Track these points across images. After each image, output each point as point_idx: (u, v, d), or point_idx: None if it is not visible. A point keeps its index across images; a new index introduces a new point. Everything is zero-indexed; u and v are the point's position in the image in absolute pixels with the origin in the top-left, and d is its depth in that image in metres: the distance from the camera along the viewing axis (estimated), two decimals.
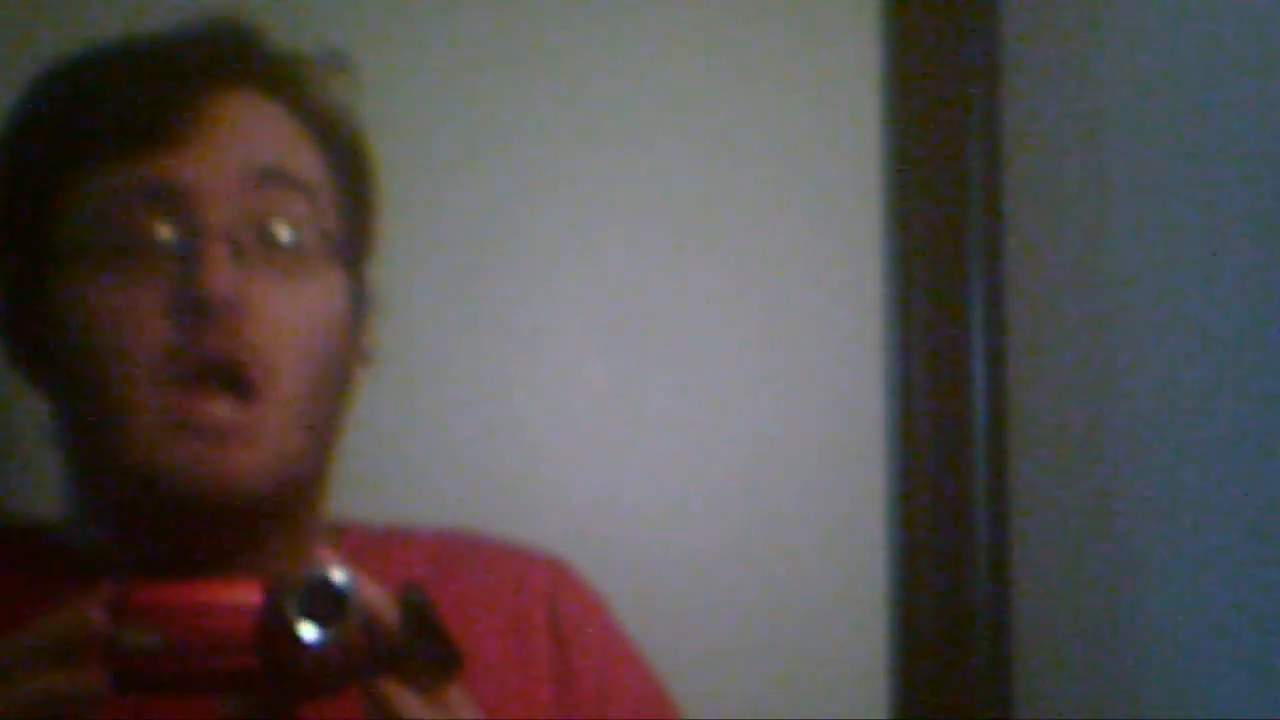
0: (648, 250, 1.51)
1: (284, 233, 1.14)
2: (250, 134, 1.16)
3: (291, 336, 1.13)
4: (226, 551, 1.14)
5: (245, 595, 0.97)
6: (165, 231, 1.12)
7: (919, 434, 1.54)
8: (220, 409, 1.10)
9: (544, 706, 1.19)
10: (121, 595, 0.96)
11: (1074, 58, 1.56)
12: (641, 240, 1.51)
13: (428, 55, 1.49)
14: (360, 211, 1.22)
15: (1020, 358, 1.55)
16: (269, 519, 1.15)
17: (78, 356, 1.14)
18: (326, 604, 0.96)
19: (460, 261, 1.48)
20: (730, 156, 1.52)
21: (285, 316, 1.13)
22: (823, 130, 1.54)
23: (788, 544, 1.50)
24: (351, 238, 1.20)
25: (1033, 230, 1.56)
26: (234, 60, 1.19)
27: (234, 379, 1.11)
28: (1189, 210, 1.44)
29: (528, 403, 1.48)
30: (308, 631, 0.95)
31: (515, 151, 1.49)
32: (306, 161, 1.18)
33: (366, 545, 1.21)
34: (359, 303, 1.21)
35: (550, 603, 1.24)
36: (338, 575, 0.96)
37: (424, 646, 0.98)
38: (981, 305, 1.55)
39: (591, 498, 1.47)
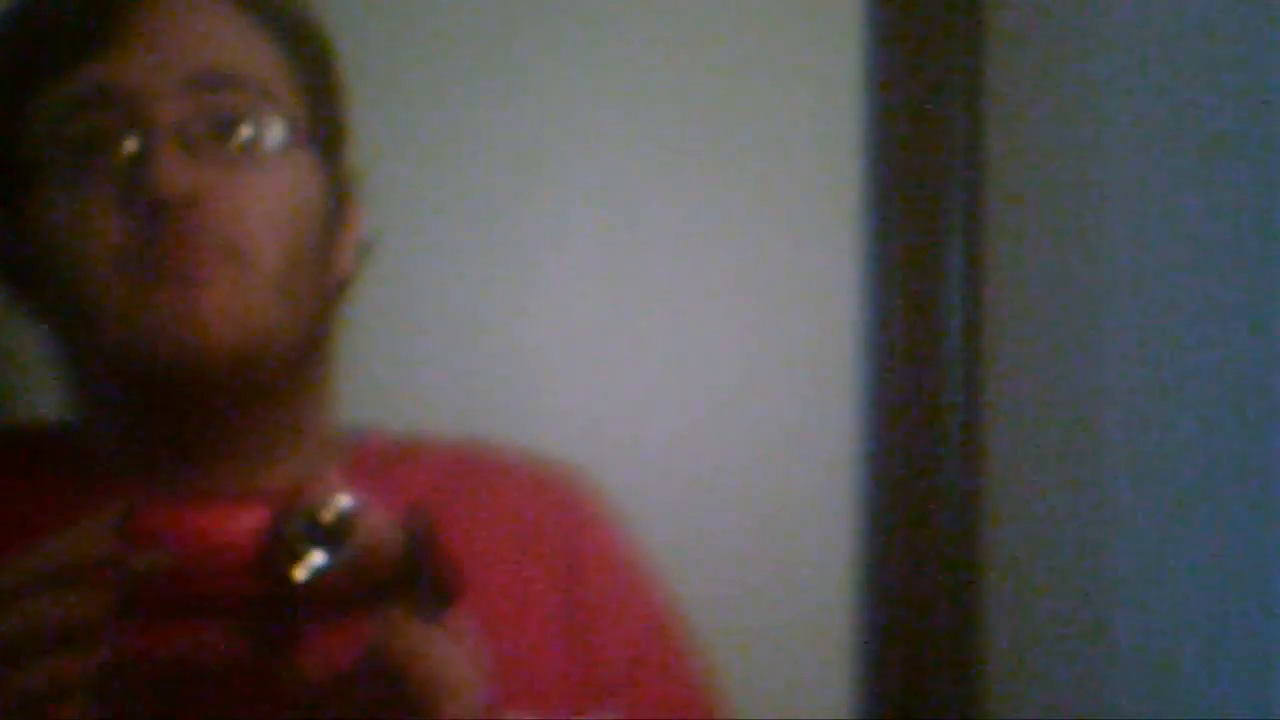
0: (642, 172, 1.53)
1: (239, 126, 1.15)
2: (195, 32, 1.17)
3: (257, 222, 1.14)
4: (227, 453, 1.16)
5: (251, 518, 0.96)
6: (115, 134, 1.13)
7: (894, 383, 1.56)
8: (185, 280, 1.12)
9: (547, 622, 1.20)
10: (128, 517, 0.96)
11: (1059, 49, 1.56)
12: (637, 161, 1.53)
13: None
14: (325, 99, 1.22)
15: (998, 326, 1.57)
16: (258, 409, 1.16)
17: (48, 263, 1.16)
18: (329, 530, 0.95)
19: (453, 182, 1.50)
20: (723, 114, 1.55)
21: (247, 205, 1.14)
22: (806, 102, 1.56)
23: (764, 474, 1.53)
24: (318, 125, 1.20)
25: (1013, 211, 1.57)
26: None
27: (195, 263, 1.12)
28: (1173, 197, 1.45)
29: (526, 322, 1.50)
30: (308, 559, 0.95)
31: (521, 79, 1.51)
32: (258, 56, 1.19)
33: (380, 457, 1.23)
34: (336, 188, 1.21)
35: (563, 517, 1.24)
36: (342, 501, 0.96)
37: (425, 574, 0.98)
38: (960, 273, 1.57)
39: (586, 413, 1.49)
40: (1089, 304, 1.53)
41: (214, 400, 1.15)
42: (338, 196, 1.21)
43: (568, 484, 1.27)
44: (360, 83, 1.26)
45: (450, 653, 0.98)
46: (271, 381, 1.16)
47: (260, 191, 1.15)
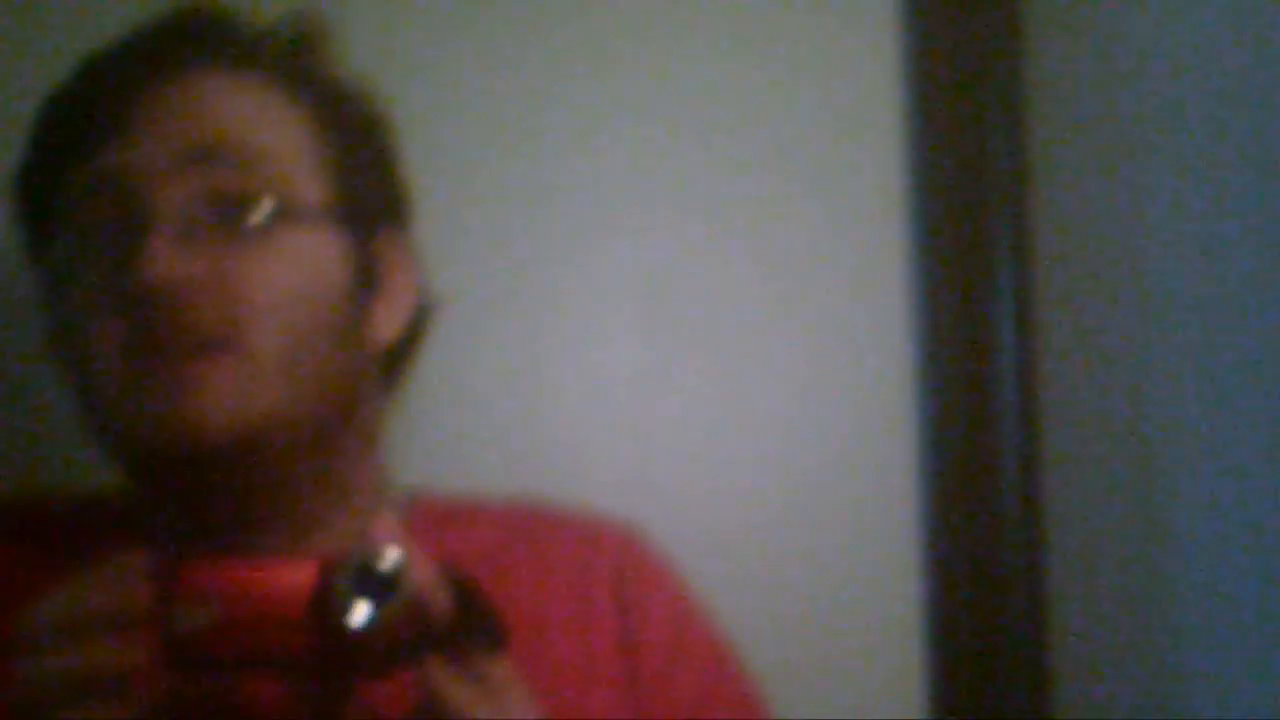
0: (682, 229, 1.51)
1: (245, 207, 1.13)
2: (193, 112, 1.16)
3: (255, 301, 1.12)
4: (270, 520, 1.15)
5: (300, 574, 0.96)
6: (114, 222, 1.13)
7: (949, 415, 1.53)
8: (173, 370, 1.11)
9: (609, 674, 1.19)
10: (174, 570, 0.96)
11: (1098, 47, 1.55)
12: (676, 219, 1.51)
13: (458, 41, 1.49)
14: (361, 170, 1.20)
15: (1050, 339, 1.54)
16: (293, 480, 1.15)
17: (68, 348, 1.16)
18: (378, 583, 0.95)
19: (497, 242, 1.48)
20: (760, 139, 1.52)
21: (245, 289, 1.12)
22: (847, 118, 1.54)
23: (820, 519, 1.50)
24: (348, 198, 1.18)
25: (1060, 217, 1.55)
26: (194, 44, 1.19)
27: (186, 352, 1.11)
28: (1220, 193, 1.44)
29: (564, 380, 1.49)
30: (355, 614, 0.95)
31: (550, 132, 1.50)
32: (272, 129, 1.17)
33: (433, 517, 1.22)
34: (367, 260, 1.19)
35: (617, 571, 1.23)
36: (388, 556, 0.96)
37: (471, 626, 0.98)
38: (1010, 287, 1.54)
39: (626, 474, 1.47)
40: (1144, 299, 1.51)
41: (227, 481, 1.13)
42: (370, 268, 1.19)
43: (622, 536, 1.27)
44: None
45: (499, 703, 0.98)
46: (299, 455, 1.14)
47: (262, 273, 1.13)
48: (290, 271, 1.14)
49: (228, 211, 1.13)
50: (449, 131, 1.46)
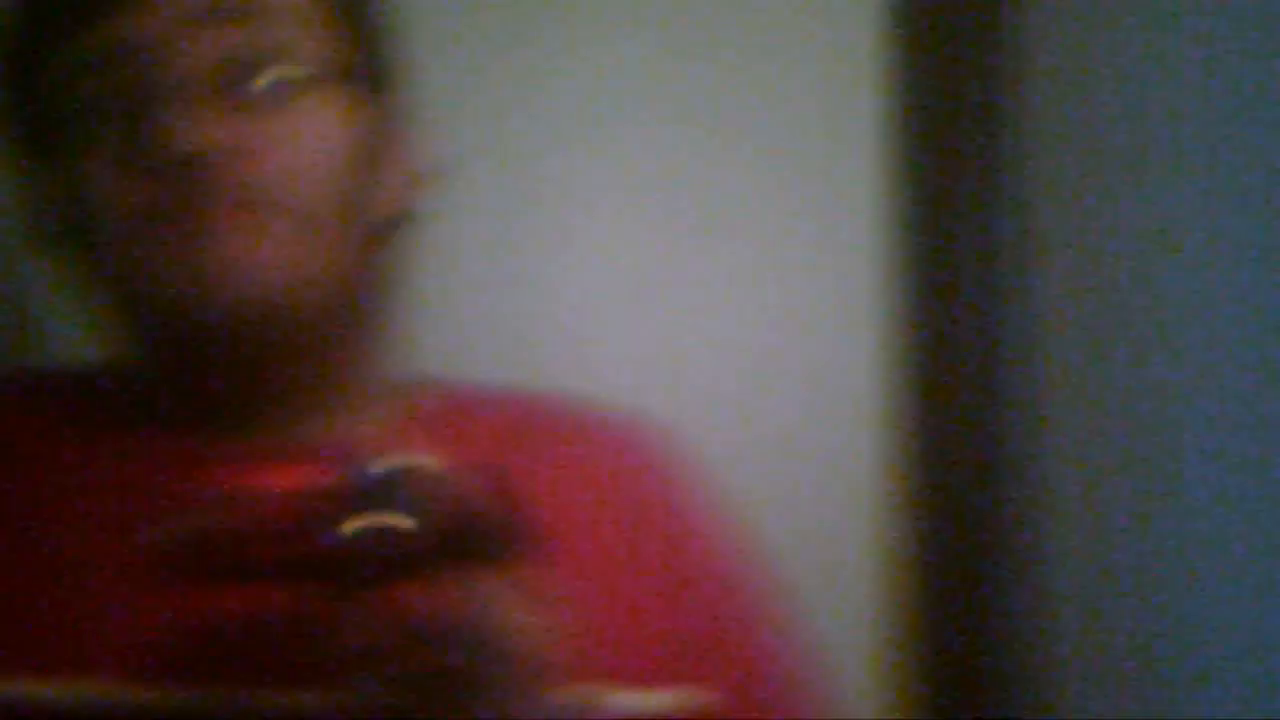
0: (688, 122, 1.51)
1: (260, 69, 1.12)
2: None
3: (281, 168, 1.11)
4: (283, 402, 1.15)
5: (324, 479, 0.94)
6: (127, 91, 1.11)
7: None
8: (212, 228, 1.09)
9: (631, 570, 1.17)
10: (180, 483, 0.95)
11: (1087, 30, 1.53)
12: (683, 112, 1.52)
13: None
14: (364, 33, 1.19)
15: (1050, 335, 1.53)
16: (305, 354, 1.14)
17: (75, 223, 1.14)
18: (403, 488, 0.93)
19: (499, 133, 1.48)
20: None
21: (270, 152, 1.11)
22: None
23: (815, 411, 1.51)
24: (355, 61, 1.17)
25: (1055, 217, 1.53)
26: None
27: (220, 213, 1.10)
28: (1223, 190, 1.43)
29: (570, 269, 1.49)
30: (384, 518, 0.92)
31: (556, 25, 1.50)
32: None
33: (444, 409, 1.20)
34: (378, 124, 1.18)
35: (635, 462, 1.23)
36: (416, 459, 0.94)
37: (495, 528, 0.95)
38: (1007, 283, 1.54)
39: (635, 366, 1.48)
40: (1144, 293, 1.50)
41: (254, 351, 1.13)
42: (380, 133, 1.18)
43: (636, 428, 1.25)
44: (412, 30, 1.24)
45: (522, 611, 0.95)
46: (314, 326, 1.14)
47: (284, 136, 1.12)
48: (308, 134, 1.13)
49: (245, 75, 1.12)
50: (453, 20, 1.46)
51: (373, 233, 1.18)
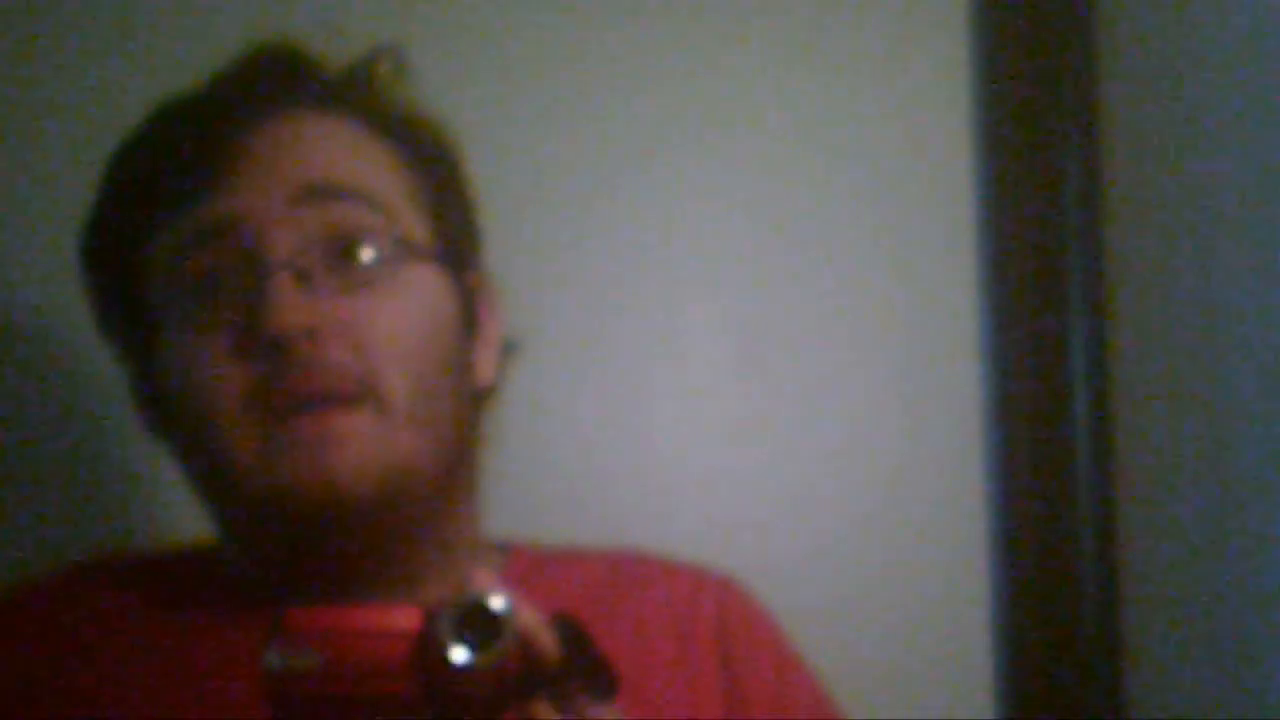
0: (773, 278, 1.53)
1: (356, 248, 1.13)
2: (299, 154, 1.15)
3: (384, 347, 1.11)
4: (376, 574, 1.14)
5: (404, 620, 0.95)
6: (229, 271, 1.12)
7: (1021, 450, 1.55)
8: (313, 425, 1.09)
9: (716, 713, 1.17)
10: (276, 617, 0.95)
11: (1172, 49, 1.52)
12: (768, 268, 1.53)
13: (527, 81, 1.51)
14: (451, 209, 1.20)
15: (1124, 353, 1.54)
16: (405, 533, 1.14)
17: (178, 406, 1.14)
18: (482, 628, 0.93)
19: (591, 295, 1.49)
20: (841, 191, 1.55)
21: (372, 330, 1.11)
22: (915, 139, 1.56)
23: (903, 561, 1.52)
24: (445, 237, 1.18)
25: (1133, 226, 1.54)
26: (280, 85, 1.18)
27: (323, 402, 1.10)
28: None
29: (653, 431, 1.49)
30: (461, 655, 0.93)
31: (640, 179, 1.51)
32: (374, 169, 1.16)
33: (533, 566, 1.20)
34: (468, 299, 1.19)
35: (719, 621, 1.21)
36: (494, 599, 0.94)
37: (580, 670, 0.96)
38: (1081, 305, 1.55)
39: (721, 524, 1.47)
40: (1218, 308, 1.48)
41: (358, 538, 1.12)
42: (470, 308, 1.19)
43: (723, 586, 1.25)
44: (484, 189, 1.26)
45: None
46: (414, 506, 1.13)
47: (384, 315, 1.12)
48: (412, 312, 1.14)
49: (341, 253, 1.12)
50: (531, 174, 1.47)
51: (468, 406, 1.18)
